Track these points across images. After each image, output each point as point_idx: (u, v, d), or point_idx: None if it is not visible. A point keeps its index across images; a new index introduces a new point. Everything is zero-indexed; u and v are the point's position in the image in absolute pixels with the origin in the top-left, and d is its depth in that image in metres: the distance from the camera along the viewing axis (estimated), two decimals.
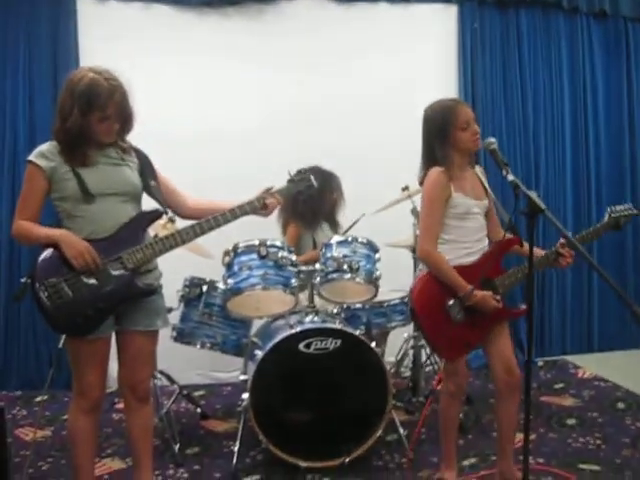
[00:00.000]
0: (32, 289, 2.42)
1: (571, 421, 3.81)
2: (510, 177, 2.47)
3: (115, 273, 2.46)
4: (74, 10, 4.65)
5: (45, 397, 4.37)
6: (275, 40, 4.89)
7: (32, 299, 2.43)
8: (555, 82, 5.28)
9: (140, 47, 4.71)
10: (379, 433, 3.20)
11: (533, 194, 2.38)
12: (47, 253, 2.45)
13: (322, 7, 4.96)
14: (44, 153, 2.49)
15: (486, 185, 2.91)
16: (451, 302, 2.72)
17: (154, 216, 2.63)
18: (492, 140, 2.64)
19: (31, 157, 2.49)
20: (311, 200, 4.07)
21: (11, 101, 4.60)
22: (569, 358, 5.18)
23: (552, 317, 5.30)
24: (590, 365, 4.96)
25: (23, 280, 2.44)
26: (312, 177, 2.92)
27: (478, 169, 2.93)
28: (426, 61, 5.08)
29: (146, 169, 2.68)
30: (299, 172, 2.91)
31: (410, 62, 5.02)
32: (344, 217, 4.31)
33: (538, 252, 2.83)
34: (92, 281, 2.43)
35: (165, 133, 4.65)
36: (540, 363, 5.08)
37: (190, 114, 4.76)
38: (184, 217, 2.84)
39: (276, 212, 4.19)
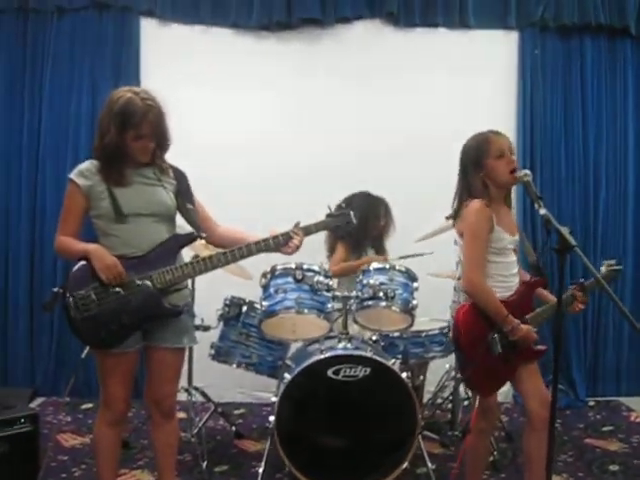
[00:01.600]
0: (62, 299, 2.51)
1: (614, 467, 3.64)
2: (542, 211, 2.42)
3: (143, 291, 2.52)
4: (137, 31, 4.83)
5: (90, 405, 4.50)
6: (332, 64, 4.92)
7: (61, 309, 2.53)
8: (619, 112, 5.09)
9: (199, 69, 4.83)
10: (405, 465, 3.14)
11: (564, 229, 2.31)
12: (79, 266, 2.55)
13: (379, 32, 4.96)
14: (83, 171, 2.59)
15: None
16: (494, 335, 2.66)
17: (188, 239, 2.69)
18: (527, 172, 2.62)
19: (71, 175, 2.60)
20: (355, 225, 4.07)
21: (75, 116, 4.79)
22: (623, 400, 4.96)
23: (607, 355, 5.09)
24: None
25: (55, 290, 2.54)
26: (352, 214, 2.90)
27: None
28: (485, 88, 4.98)
29: (183, 191, 2.74)
30: (339, 207, 2.92)
31: (469, 89, 4.94)
32: (394, 243, 4.30)
33: (550, 298, 2.81)
34: (119, 296, 2.50)
35: (223, 155, 4.79)
36: (591, 403, 4.89)
37: (247, 136, 4.83)
38: (211, 244, 2.89)
39: (323, 235, 4.25)
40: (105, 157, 2.56)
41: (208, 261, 2.60)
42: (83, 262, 2.54)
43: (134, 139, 2.53)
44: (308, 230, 2.78)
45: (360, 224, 4.06)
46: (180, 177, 2.77)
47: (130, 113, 2.50)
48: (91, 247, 2.54)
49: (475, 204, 2.71)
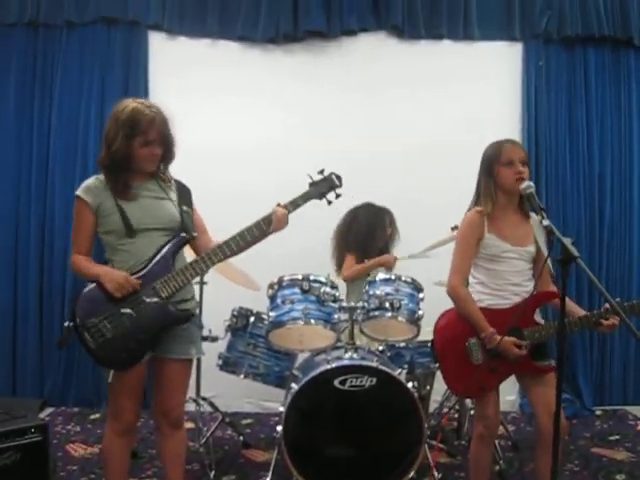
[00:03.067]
0: (76, 331, 2.54)
1: (621, 476, 3.64)
2: (545, 222, 2.43)
3: (151, 303, 2.55)
4: (146, 44, 4.90)
5: (98, 415, 4.53)
6: (338, 76, 4.98)
7: (78, 341, 2.54)
8: (624, 123, 5.12)
9: (206, 81, 4.91)
10: (411, 474, 3.16)
11: (567, 241, 2.32)
12: (84, 294, 2.57)
13: (384, 44, 5.01)
14: (91, 188, 2.62)
15: (538, 236, 2.84)
16: (472, 341, 2.76)
17: (182, 242, 2.69)
18: (530, 184, 2.65)
19: (78, 192, 2.63)
20: (362, 235, 4.13)
21: (83, 128, 4.85)
22: (630, 409, 4.96)
23: (614, 365, 5.09)
24: None
25: (66, 325, 2.56)
26: (334, 177, 2.80)
27: (536, 219, 2.86)
28: (489, 99, 5.02)
29: (183, 200, 2.77)
30: (320, 172, 2.81)
31: (473, 100, 4.99)
32: (398, 253, 4.32)
33: (578, 312, 2.79)
34: (131, 315, 2.52)
35: (229, 167, 4.83)
36: (598, 412, 4.89)
37: (253, 147, 4.88)
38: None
39: (330, 247, 4.28)
40: (112, 167, 2.59)
41: (207, 258, 2.62)
42: (91, 286, 2.56)
43: (142, 145, 2.57)
44: (295, 203, 2.73)
45: (368, 234, 4.14)
46: (181, 188, 2.81)
47: (138, 120, 2.55)
48: (100, 270, 2.57)
49: (469, 214, 2.84)
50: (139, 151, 2.58)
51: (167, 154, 2.69)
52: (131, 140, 2.55)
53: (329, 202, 2.81)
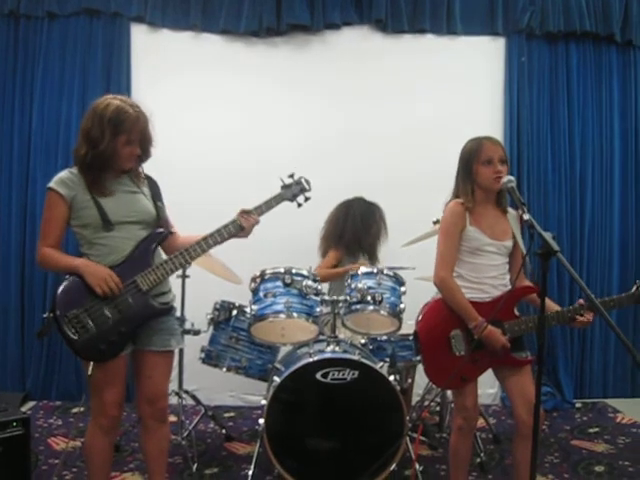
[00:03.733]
0: (55, 322, 2.51)
1: (600, 468, 3.69)
2: (526, 216, 2.45)
3: (132, 297, 2.55)
4: (128, 36, 4.86)
5: (82, 409, 4.52)
6: (321, 70, 4.99)
7: (57, 332, 2.51)
8: (605, 119, 5.16)
9: (189, 74, 4.89)
10: (393, 467, 3.18)
11: (548, 235, 2.34)
12: (64, 285, 2.55)
13: (368, 38, 5.01)
14: (65, 181, 2.60)
15: (515, 230, 2.88)
16: (454, 332, 2.79)
17: (161, 237, 2.71)
18: (510, 178, 2.67)
19: (51, 184, 2.60)
20: (357, 230, 4.15)
21: (65, 124, 4.80)
22: (609, 401, 5.02)
23: (593, 358, 5.15)
24: (631, 410, 4.80)
25: (45, 315, 2.54)
26: (304, 181, 2.98)
27: (513, 214, 2.92)
28: (472, 94, 5.05)
29: (155, 195, 2.79)
30: (291, 176, 2.97)
31: (456, 94, 5.01)
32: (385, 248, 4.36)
33: (553, 307, 2.82)
34: (111, 308, 2.52)
35: (211, 160, 4.84)
36: (578, 405, 4.94)
37: (236, 141, 4.89)
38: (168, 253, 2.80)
39: (318, 238, 4.29)
40: (93, 165, 2.57)
41: (185, 254, 2.64)
42: (71, 279, 2.54)
43: (124, 144, 2.57)
44: (269, 204, 2.83)
45: (363, 229, 4.15)
46: (153, 183, 2.83)
47: (122, 119, 2.55)
48: (80, 262, 2.55)
49: (451, 204, 2.86)
50: (121, 150, 2.58)
51: (145, 153, 2.69)
52: (115, 139, 2.55)
53: (299, 204, 2.99)
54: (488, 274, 2.83)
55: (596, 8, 5.04)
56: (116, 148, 2.56)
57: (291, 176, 2.96)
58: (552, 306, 2.82)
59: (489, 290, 2.82)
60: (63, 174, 2.63)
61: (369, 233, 4.22)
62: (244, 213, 2.76)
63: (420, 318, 2.95)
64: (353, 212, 4.24)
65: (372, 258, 4.28)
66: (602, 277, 5.16)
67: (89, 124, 2.58)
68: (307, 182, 2.99)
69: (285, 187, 2.93)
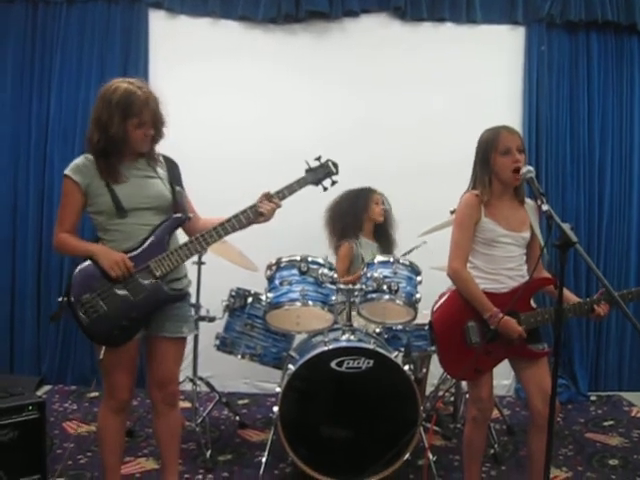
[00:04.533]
0: (69, 307, 2.53)
1: (614, 461, 3.67)
2: (545, 207, 2.41)
3: (145, 282, 2.56)
4: (146, 22, 4.85)
5: (96, 394, 4.55)
6: (339, 57, 4.95)
7: (71, 316, 2.54)
8: (625, 109, 5.09)
9: (207, 61, 4.88)
10: (407, 456, 3.18)
11: (566, 226, 2.31)
12: (79, 270, 2.56)
13: (387, 25, 4.97)
14: (80, 168, 2.61)
15: (533, 221, 2.86)
16: (470, 324, 2.77)
17: (178, 222, 2.70)
18: (530, 169, 2.62)
19: (67, 171, 2.61)
20: (344, 217, 4.17)
21: (83, 110, 4.78)
22: (624, 395, 4.99)
23: (609, 351, 5.11)
24: None
25: (59, 300, 2.56)
26: (331, 163, 2.86)
27: (531, 204, 2.89)
28: (491, 83, 5.00)
29: (174, 177, 2.77)
30: (317, 159, 2.87)
31: (474, 83, 4.97)
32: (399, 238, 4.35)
33: (572, 298, 2.79)
34: (124, 293, 2.53)
35: (230, 148, 4.84)
36: (593, 398, 4.91)
37: (253, 130, 4.87)
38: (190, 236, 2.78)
39: (325, 236, 4.29)
40: (106, 151, 2.57)
41: (202, 239, 2.63)
42: (86, 264, 2.56)
43: (136, 127, 2.56)
44: (291, 188, 2.76)
45: (349, 215, 4.16)
46: (171, 165, 2.81)
47: (131, 101, 2.54)
48: (95, 248, 2.58)
49: (466, 196, 2.83)
50: (133, 133, 2.57)
51: (157, 133, 2.68)
52: (125, 122, 2.54)
53: (325, 188, 2.88)
54: (504, 265, 2.80)
55: None
56: (127, 131, 2.56)
57: (318, 159, 2.86)
58: (570, 297, 2.79)
59: (505, 281, 2.80)
60: (79, 160, 2.63)
61: (360, 218, 4.23)
62: (266, 197, 2.72)
63: (435, 308, 2.93)
64: (341, 205, 4.27)
65: (386, 247, 4.27)
66: (619, 269, 5.11)
67: (98, 109, 2.58)
68: (335, 165, 2.88)
69: (310, 170, 2.83)
